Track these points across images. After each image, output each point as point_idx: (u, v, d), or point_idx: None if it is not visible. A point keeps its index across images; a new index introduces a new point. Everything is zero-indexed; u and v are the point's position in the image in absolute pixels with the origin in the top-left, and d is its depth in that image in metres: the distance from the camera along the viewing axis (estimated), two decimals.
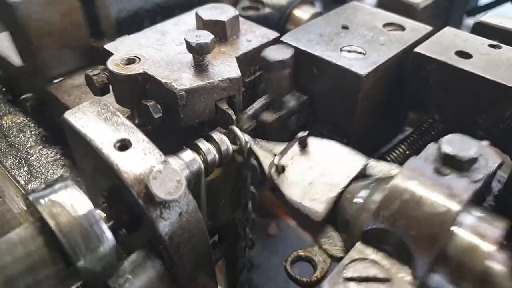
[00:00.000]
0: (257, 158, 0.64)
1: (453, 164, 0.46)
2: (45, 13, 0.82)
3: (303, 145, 0.63)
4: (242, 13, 1.26)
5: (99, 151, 0.49)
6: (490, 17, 0.83)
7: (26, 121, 0.97)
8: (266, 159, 0.62)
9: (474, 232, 0.43)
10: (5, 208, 0.60)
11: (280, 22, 1.24)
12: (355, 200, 0.52)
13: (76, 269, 0.44)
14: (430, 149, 0.49)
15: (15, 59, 0.94)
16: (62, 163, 0.87)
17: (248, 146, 0.64)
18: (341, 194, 0.55)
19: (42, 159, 0.88)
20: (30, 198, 0.45)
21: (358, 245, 0.45)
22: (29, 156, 0.87)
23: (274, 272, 1.68)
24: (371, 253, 0.44)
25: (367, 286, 0.41)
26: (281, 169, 0.58)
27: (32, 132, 0.94)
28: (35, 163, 0.85)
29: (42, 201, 0.45)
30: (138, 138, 0.50)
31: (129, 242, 0.53)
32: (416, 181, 0.43)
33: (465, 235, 0.42)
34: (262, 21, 1.25)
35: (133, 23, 1.10)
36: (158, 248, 0.50)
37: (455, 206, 0.41)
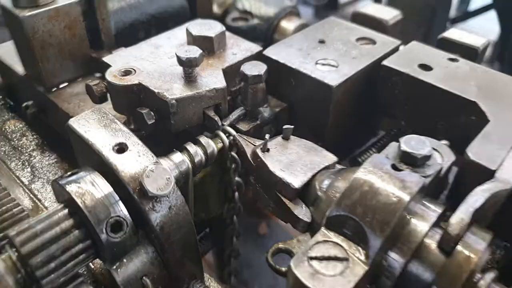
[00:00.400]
0: (238, 148, 0.73)
1: (408, 160, 0.54)
2: (49, 26, 0.87)
3: (287, 137, 0.71)
4: (232, 23, 1.34)
5: (100, 154, 0.56)
6: (452, 33, 0.91)
7: (28, 126, 1.04)
8: (248, 148, 0.70)
9: (414, 214, 0.51)
10: (14, 204, 0.67)
11: (268, 32, 1.32)
12: (323, 184, 0.61)
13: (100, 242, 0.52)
14: (391, 148, 0.57)
15: (18, 68, 1.01)
16: (62, 166, 0.94)
17: (232, 138, 0.72)
18: (313, 176, 0.63)
19: (44, 161, 0.95)
20: (60, 182, 0.53)
21: (323, 229, 0.52)
22: (32, 158, 0.94)
23: (263, 269, 1.75)
24: (333, 237, 0.51)
25: (328, 264, 0.49)
26: (266, 150, 0.67)
27: (34, 136, 1.01)
28: (37, 165, 0.92)
29: (70, 184, 0.53)
30: (134, 142, 0.58)
31: None
32: (375, 175, 0.51)
33: (407, 217, 0.51)
34: (251, 31, 1.33)
35: (129, 34, 1.16)
36: (151, 236, 0.57)
37: (405, 197, 0.49)
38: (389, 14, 0.98)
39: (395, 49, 0.84)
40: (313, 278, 0.47)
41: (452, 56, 0.83)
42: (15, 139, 1.00)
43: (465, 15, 2.86)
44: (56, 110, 0.91)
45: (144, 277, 0.57)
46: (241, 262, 1.13)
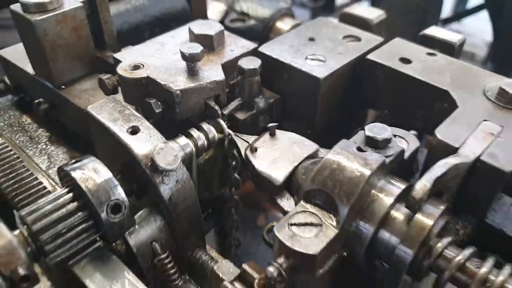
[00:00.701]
0: (237, 147, 0.81)
1: (371, 144, 0.62)
2: (58, 29, 0.94)
3: (272, 133, 0.79)
4: (230, 24, 1.42)
5: (116, 135, 0.65)
6: (432, 30, 1.00)
7: (41, 120, 1.13)
8: (243, 146, 0.78)
9: (381, 191, 0.60)
10: (37, 183, 0.76)
11: (264, 32, 1.40)
12: (303, 170, 0.69)
13: (101, 222, 0.60)
14: (359, 134, 0.66)
15: (27, 68, 1.06)
16: (73, 155, 1.02)
17: (229, 137, 0.81)
18: (296, 167, 0.71)
19: (58, 150, 1.03)
20: (66, 168, 0.61)
21: (302, 202, 0.61)
22: (48, 148, 1.03)
23: (262, 259, 1.84)
24: (310, 207, 0.60)
25: (305, 228, 0.57)
26: (254, 150, 0.75)
27: (40, 131, 1.10)
28: (53, 153, 1.01)
29: (75, 171, 0.61)
30: (145, 125, 0.67)
31: (137, 206, 0.69)
32: (342, 155, 0.60)
33: (375, 192, 0.60)
34: (248, 31, 1.42)
35: (135, 34, 1.25)
36: (160, 207, 0.66)
37: (367, 172, 0.57)
38: (374, 14, 1.06)
39: (378, 46, 0.93)
40: (292, 239, 0.55)
41: (431, 51, 0.92)
42: (31, 131, 1.08)
43: (457, 15, 2.95)
44: (68, 105, 0.99)
45: (153, 242, 0.66)
46: (241, 251, 1.21)
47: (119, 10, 1.23)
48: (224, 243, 0.95)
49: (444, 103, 0.80)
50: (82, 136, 0.98)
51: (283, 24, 1.41)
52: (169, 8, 1.32)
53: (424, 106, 0.83)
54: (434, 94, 0.81)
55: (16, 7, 0.93)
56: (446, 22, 2.76)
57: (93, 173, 0.61)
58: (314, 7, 4.60)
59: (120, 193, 0.61)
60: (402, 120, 0.86)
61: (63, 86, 1.00)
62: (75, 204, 0.60)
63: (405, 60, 0.87)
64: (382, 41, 0.95)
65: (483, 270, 0.56)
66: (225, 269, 0.68)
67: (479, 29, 3.26)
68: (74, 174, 0.60)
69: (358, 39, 0.95)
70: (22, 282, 0.52)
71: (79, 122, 0.97)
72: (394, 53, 0.89)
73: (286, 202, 0.70)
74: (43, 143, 1.04)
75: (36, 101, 1.04)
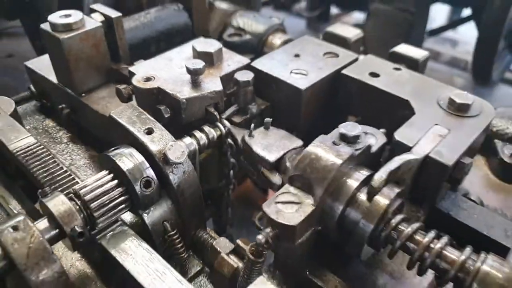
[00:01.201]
0: (233, 137, 0.97)
1: (344, 139, 0.78)
2: (81, 45, 1.08)
3: (267, 127, 0.95)
4: (228, 38, 1.58)
5: (135, 135, 0.81)
6: (400, 48, 1.16)
7: (57, 126, 1.28)
8: (238, 135, 0.94)
9: (350, 177, 0.76)
10: (67, 175, 0.91)
11: (258, 46, 1.56)
12: (290, 158, 0.85)
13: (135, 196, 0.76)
14: (335, 131, 0.81)
15: (51, 78, 1.20)
16: (90, 153, 1.18)
17: (227, 129, 0.97)
18: (284, 154, 0.88)
19: (77, 149, 1.18)
20: (108, 154, 0.77)
21: (286, 185, 0.76)
22: (69, 147, 1.18)
23: None
24: (292, 189, 0.75)
25: (288, 205, 0.72)
26: (251, 135, 0.91)
27: (67, 131, 1.25)
28: (74, 152, 1.16)
29: (115, 156, 0.77)
30: (158, 127, 0.82)
31: None
32: (320, 147, 0.76)
33: (345, 178, 0.76)
34: (244, 45, 1.58)
35: (143, 47, 1.40)
36: (170, 193, 0.81)
37: (338, 161, 0.73)
38: (352, 33, 1.22)
39: (353, 61, 1.09)
40: (277, 213, 0.71)
41: (397, 66, 1.08)
42: (53, 133, 1.24)
43: (442, 27, 3.12)
44: (88, 110, 1.14)
45: (164, 222, 0.81)
46: None
47: (130, 26, 1.38)
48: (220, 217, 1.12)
49: (405, 111, 0.96)
50: (99, 137, 1.14)
51: (275, 39, 1.57)
52: (173, 24, 1.48)
53: (389, 113, 0.99)
54: (397, 103, 0.97)
55: (46, 26, 1.08)
56: (431, 34, 2.93)
57: (129, 156, 0.77)
58: (310, 16, 4.77)
59: (151, 172, 0.78)
60: (371, 124, 1.02)
61: (83, 94, 1.16)
62: (115, 181, 0.76)
63: (374, 74, 1.03)
64: (356, 57, 1.11)
65: (426, 239, 0.72)
66: (222, 244, 0.84)
67: (474, 37, 3.42)
68: (115, 158, 0.77)
69: (336, 55, 1.11)
70: (79, 237, 0.69)
71: (97, 125, 1.13)
72: (365, 68, 1.06)
73: (275, 177, 0.86)
74: (64, 144, 1.20)
75: (60, 106, 1.20)
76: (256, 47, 1.57)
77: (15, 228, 0.69)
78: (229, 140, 0.96)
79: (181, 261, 0.84)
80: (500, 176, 1.09)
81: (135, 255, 0.75)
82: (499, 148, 1.10)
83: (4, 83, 3.35)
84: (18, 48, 3.99)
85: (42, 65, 1.25)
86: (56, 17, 1.06)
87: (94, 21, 1.12)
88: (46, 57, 1.23)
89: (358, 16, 4.32)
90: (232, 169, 1.01)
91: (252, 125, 0.93)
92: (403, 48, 1.15)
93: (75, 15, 1.08)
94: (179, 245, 0.82)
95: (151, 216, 0.80)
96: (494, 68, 2.55)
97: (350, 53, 1.12)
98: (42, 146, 0.96)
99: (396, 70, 1.06)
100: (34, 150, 0.97)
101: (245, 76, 1.00)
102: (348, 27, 1.25)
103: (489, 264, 0.66)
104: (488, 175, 1.12)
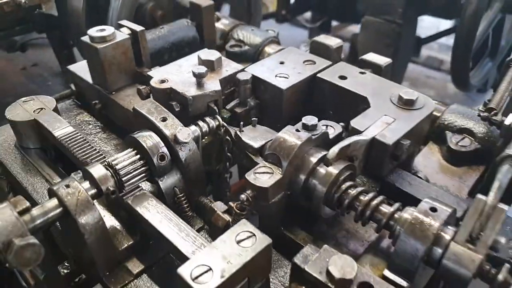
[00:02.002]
0: (230, 134, 1.23)
1: (305, 127, 1.04)
2: (113, 52, 1.35)
3: (254, 125, 1.21)
4: (230, 49, 1.84)
5: (153, 122, 1.07)
6: (368, 55, 1.41)
7: (90, 118, 1.56)
8: (232, 132, 1.20)
9: (309, 155, 1.01)
10: (99, 154, 1.18)
11: (255, 55, 1.82)
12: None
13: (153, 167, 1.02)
14: (300, 122, 1.07)
15: (87, 79, 1.49)
16: (117, 141, 1.45)
17: (224, 128, 1.23)
18: (266, 143, 1.13)
19: (108, 138, 1.45)
20: (132, 135, 1.04)
21: (262, 161, 1.02)
22: (96, 137, 1.45)
23: None
24: (267, 164, 1.00)
25: (263, 174, 0.97)
26: (241, 131, 1.17)
27: (95, 124, 1.53)
28: (104, 140, 1.43)
29: (138, 136, 1.04)
30: (171, 116, 1.09)
31: None
32: (286, 134, 1.01)
33: (306, 156, 1.01)
34: (243, 54, 1.84)
35: (158, 56, 1.67)
36: (179, 166, 1.08)
37: (298, 142, 0.98)
38: (334, 42, 1.47)
39: (327, 67, 1.35)
40: (255, 179, 0.97)
41: (362, 70, 1.34)
42: (84, 126, 1.50)
43: (431, 37, 3.36)
44: (116, 105, 1.41)
45: (174, 187, 1.07)
46: None
47: (148, 39, 1.67)
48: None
49: (365, 105, 1.21)
50: (123, 127, 1.41)
51: (270, 49, 1.82)
52: (183, 37, 1.75)
53: (353, 108, 1.24)
54: (358, 99, 1.22)
55: (86, 38, 1.36)
56: (422, 42, 3.17)
57: (148, 137, 1.04)
58: (312, 27, 5.04)
59: (164, 149, 1.04)
60: (341, 118, 1.27)
61: (113, 92, 1.43)
62: (138, 156, 1.03)
63: (343, 77, 1.29)
64: (330, 64, 1.37)
65: (366, 198, 0.97)
66: (218, 206, 1.09)
67: None
68: (138, 138, 1.03)
69: (314, 62, 1.37)
70: (112, 194, 0.95)
71: (122, 117, 1.40)
72: (336, 72, 1.31)
73: (258, 159, 1.11)
74: (93, 135, 1.47)
75: (93, 102, 1.48)
76: (253, 56, 1.83)
77: (67, 186, 0.95)
78: (227, 137, 1.22)
79: (187, 219, 1.10)
80: (448, 161, 1.33)
81: (153, 210, 1.01)
82: (448, 138, 1.34)
83: (31, 89, 3.68)
84: (42, 57, 4.33)
85: (80, 68, 1.52)
86: (94, 31, 1.34)
87: (123, 34, 1.40)
88: (82, 63, 1.51)
89: (355, 28, 4.56)
90: (228, 160, 1.27)
91: (241, 123, 1.19)
92: (370, 56, 1.41)
93: (108, 30, 1.36)
94: (185, 205, 1.08)
95: (164, 183, 1.07)
96: (475, 75, 2.78)
97: (325, 60, 1.38)
98: (78, 133, 1.23)
99: (361, 73, 1.32)
100: (73, 136, 1.24)
101: (245, 76, 1.27)
102: (331, 37, 1.51)
103: (408, 212, 0.91)
104: (439, 160, 1.36)
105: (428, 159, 1.37)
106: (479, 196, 0.85)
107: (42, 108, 1.34)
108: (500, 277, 0.81)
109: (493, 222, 0.83)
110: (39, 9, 2.58)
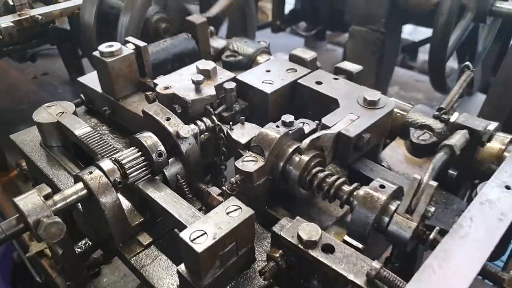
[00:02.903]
0: (223, 132, 1.46)
1: (283, 124, 1.26)
2: (120, 65, 1.59)
3: (242, 123, 1.45)
4: (226, 59, 2.07)
5: (159, 121, 1.31)
6: (342, 64, 1.65)
7: (99, 123, 1.79)
8: (224, 129, 1.44)
9: (287, 146, 1.24)
10: (112, 148, 1.41)
11: (248, 64, 2.06)
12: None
13: (152, 162, 1.26)
14: (280, 119, 1.30)
15: (97, 88, 1.73)
16: (123, 141, 1.68)
17: (219, 126, 1.46)
18: (252, 138, 1.36)
19: (117, 139, 1.69)
20: (134, 136, 1.27)
21: (248, 152, 1.25)
22: (109, 136, 1.69)
23: None
24: (252, 154, 1.23)
25: (249, 162, 1.20)
26: (231, 129, 1.40)
27: (106, 126, 1.77)
28: (112, 140, 1.67)
29: (140, 137, 1.27)
30: (174, 117, 1.32)
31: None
32: (268, 129, 1.24)
33: (284, 147, 1.24)
34: (238, 63, 2.07)
35: (162, 66, 1.91)
36: (180, 157, 1.31)
37: (277, 135, 1.21)
38: (308, 55, 1.70)
39: (306, 74, 1.59)
40: (243, 165, 1.20)
41: (336, 77, 1.57)
42: (97, 127, 1.75)
43: (414, 44, 3.59)
44: (124, 110, 1.65)
45: (177, 175, 1.31)
46: None
47: (152, 51, 1.90)
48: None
49: (336, 106, 1.45)
50: (131, 129, 1.65)
51: (262, 59, 2.05)
52: (184, 49, 1.99)
53: (327, 108, 1.47)
54: (330, 101, 1.46)
55: (96, 53, 1.60)
56: (403, 50, 3.41)
57: (149, 138, 1.27)
58: (307, 35, 5.29)
59: (162, 147, 1.27)
60: (318, 117, 1.50)
61: (120, 99, 1.67)
62: (140, 153, 1.26)
63: (319, 82, 1.52)
64: (309, 71, 1.61)
65: (332, 179, 1.19)
66: (214, 190, 1.32)
67: None
68: (140, 138, 1.27)
69: (295, 70, 1.61)
70: (118, 185, 1.18)
71: (130, 120, 1.64)
72: (314, 78, 1.55)
73: (245, 153, 1.34)
74: (106, 135, 1.71)
75: (103, 108, 1.72)
76: (246, 64, 2.06)
77: (90, 172, 1.19)
78: (222, 135, 1.45)
79: (187, 201, 1.33)
80: (411, 153, 1.56)
81: (160, 192, 1.24)
82: (411, 133, 1.57)
83: (42, 97, 3.93)
84: (52, 67, 4.59)
85: (90, 79, 1.76)
86: (103, 47, 1.58)
87: (128, 49, 1.64)
88: (90, 75, 1.75)
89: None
90: (222, 154, 1.51)
91: (231, 123, 1.42)
92: (344, 64, 1.64)
93: (115, 45, 1.60)
94: (186, 190, 1.31)
95: (169, 171, 1.30)
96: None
97: (304, 68, 1.62)
98: (95, 131, 1.47)
99: (335, 79, 1.55)
100: (91, 134, 1.47)
101: (230, 85, 1.50)
102: (306, 50, 1.74)
103: (362, 189, 1.13)
104: (404, 152, 1.59)
105: (395, 152, 1.60)
106: (415, 175, 1.08)
107: (63, 112, 1.57)
108: (431, 237, 1.04)
109: (425, 196, 1.06)
110: (53, 23, 2.83)
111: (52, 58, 4.38)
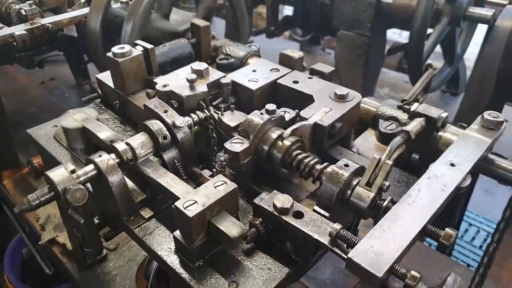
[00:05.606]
0: (214, 119, 1.68)
1: (267, 111, 1.47)
2: (130, 65, 1.79)
3: (232, 110, 1.66)
4: (219, 61, 2.29)
5: (158, 114, 1.53)
6: (316, 65, 1.87)
7: (111, 116, 2.02)
8: (216, 116, 1.65)
9: (271, 131, 1.45)
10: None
11: (239, 66, 2.28)
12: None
13: (159, 144, 1.48)
14: (265, 108, 1.51)
15: (110, 84, 1.97)
16: (130, 133, 1.91)
17: (210, 113, 1.68)
18: (241, 122, 1.57)
19: (126, 130, 1.91)
20: (144, 123, 1.49)
21: (236, 135, 1.46)
22: (120, 128, 1.91)
23: None
24: (239, 137, 1.44)
25: (236, 143, 1.41)
26: (223, 114, 1.62)
27: (115, 120, 1.99)
28: (121, 132, 1.89)
29: (149, 123, 1.49)
30: (170, 109, 1.54)
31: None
32: (253, 116, 1.45)
33: (268, 132, 1.45)
34: (230, 65, 2.30)
35: (161, 68, 2.14)
36: (177, 144, 1.53)
37: (261, 121, 1.41)
38: (296, 54, 1.93)
39: (287, 74, 1.81)
40: (231, 146, 1.41)
41: (311, 76, 1.79)
42: (105, 122, 1.97)
43: (399, 47, 3.81)
44: (132, 105, 1.84)
45: (174, 159, 1.52)
46: None
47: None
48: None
49: (311, 101, 1.66)
50: (137, 121, 1.87)
51: (252, 61, 2.29)
52: (181, 53, 2.22)
53: (303, 103, 1.69)
54: (306, 97, 1.67)
55: (109, 54, 1.82)
56: (389, 53, 3.63)
57: (155, 123, 1.49)
58: (302, 40, 5.51)
59: (166, 131, 1.48)
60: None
61: (130, 95, 1.89)
62: (148, 137, 1.48)
63: (295, 82, 1.74)
64: (290, 71, 1.83)
65: (307, 160, 1.41)
66: (205, 172, 1.53)
67: (473, 53, 4.00)
68: (148, 124, 1.49)
69: (278, 70, 1.83)
70: (130, 162, 1.40)
71: (137, 113, 1.86)
72: (291, 78, 1.76)
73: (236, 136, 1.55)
74: (116, 126, 1.94)
75: (114, 102, 1.94)
76: (238, 66, 2.28)
77: (100, 156, 1.41)
78: (212, 121, 1.67)
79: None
80: (380, 141, 1.78)
81: (159, 172, 1.46)
82: (380, 124, 1.78)
83: (50, 101, 4.16)
84: (58, 72, 4.83)
85: (105, 77, 1.98)
86: (116, 49, 1.80)
87: (137, 50, 1.86)
88: (106, 73, 1.97)
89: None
90: (214, 140, 1.73)
91: (222, 109, 1.64)
92: (317, 66, 1.86)
93: (126, 47, 1.81)
94: (182, 172, 1.53)
95: (166, 156, 1.51)
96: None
97: (286, 69, 1.84)
98: (116, 134, 1.69)
99: (309, 78, 1.77)
100: (112, 137, 1.70)
101: (226, 80, 1.73)
102: (295, 50, 1.97)
103: (330, 167, 1.35)
104: (374, 141, 1.80)
105: (366, 140, 1.81)
106: (375, 155, 1.29)
107: (87, 118, 1.78)
108: (384, 205, 1.25)
109: (382, 172, 1.27)
110: (62, 31, 3.06)
111: (59, 64, 4.62)
